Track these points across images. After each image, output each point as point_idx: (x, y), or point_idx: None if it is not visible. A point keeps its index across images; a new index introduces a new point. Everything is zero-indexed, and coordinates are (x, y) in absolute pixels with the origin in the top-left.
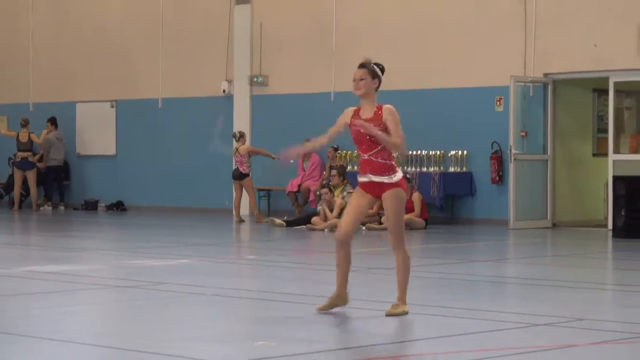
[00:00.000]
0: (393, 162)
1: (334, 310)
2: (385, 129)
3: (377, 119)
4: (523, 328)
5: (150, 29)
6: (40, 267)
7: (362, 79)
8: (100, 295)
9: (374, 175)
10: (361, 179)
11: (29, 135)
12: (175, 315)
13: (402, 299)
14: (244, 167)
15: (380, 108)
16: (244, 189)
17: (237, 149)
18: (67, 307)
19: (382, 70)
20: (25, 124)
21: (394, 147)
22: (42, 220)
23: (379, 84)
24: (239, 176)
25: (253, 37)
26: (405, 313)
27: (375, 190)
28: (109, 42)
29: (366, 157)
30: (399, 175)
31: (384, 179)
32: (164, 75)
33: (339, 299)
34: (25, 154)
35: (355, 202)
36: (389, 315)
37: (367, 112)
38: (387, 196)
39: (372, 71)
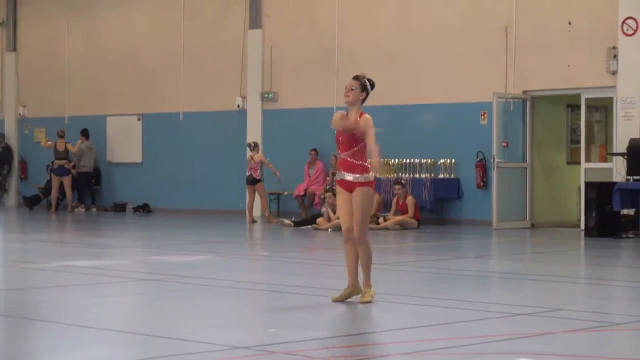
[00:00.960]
0: (367, 164)
1: (348, 300)
2: (360, 132)
3: (356, 124)
4: (506, 317)
5: (173, 51)
6: (74, 262)
7: (352, 89)
8: (128, 287)
9: (348, 173)
10: (337, 177)
11: (65, 145)
12: (196, 305)
13: (368, 282)
14: (257, 174)
15: (360, 115)
16: (256, 192)
17: (251, 157)
18: (97, 298)
19: (372, 85)
20: (62, 135)
21: (373, 148)
22: (76, 220)
23: (366, 97)
24: (253, 181)
25: (264, 58)
26: (374, 294)
27: (349, 187)
28: (136, 63)
29: (343, 156)
30: (370, 176)
31: (357, 177)
32: (185, 91)
33: (353, 290)
34: (62, 162)
35: (342, 200)
36: (364, 303)
37: (351, 118)
38: (357, 192)
39: (362, 84)
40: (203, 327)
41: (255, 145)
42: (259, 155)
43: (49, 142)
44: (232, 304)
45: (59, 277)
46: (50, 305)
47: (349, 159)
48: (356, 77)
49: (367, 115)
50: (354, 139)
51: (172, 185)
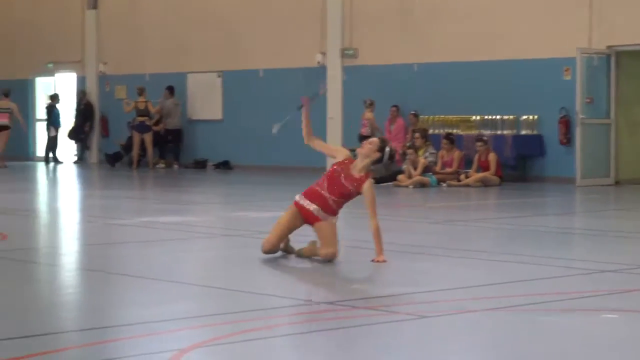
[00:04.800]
0: (338, 214)
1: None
2: (356, 193)
3: (359, 184)
4: (588, 274)
5: (253, 7)
6: (156, 218)
7: (370, 143)
8: (210, 243)
9: (319, 210)
10: (302, 201)
11: (146, 104)
12: (276, 261)
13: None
14: (363, 130)
15: (367, 177)
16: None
17: (363, 115)
18: (179, 253)
19: (391, 156)
20: (141, 92)
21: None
22: (157, 177)
23: (378, 161)
24: (360, 138)
25: (344, 13)
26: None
27: (310, 218)
28: (216, 19)
29: (325, 194)
30: (333, 219)
31: (321, 216)
32: (264, 48)
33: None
34: (142, 119)
35: (285, 220)
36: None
37: (356, 171)
38: (321, 223)
39: (382, 147)
40: (284, 282)
41: (371, 103)
42: (368, 115)
43: (131, 104)
44: (312, 259)
45: (142, 232)
46: (132, 260)
47: (329, 201)
48: (382, 139)
49: (372, 181)
50: (346, 193)
51: (252, 141)
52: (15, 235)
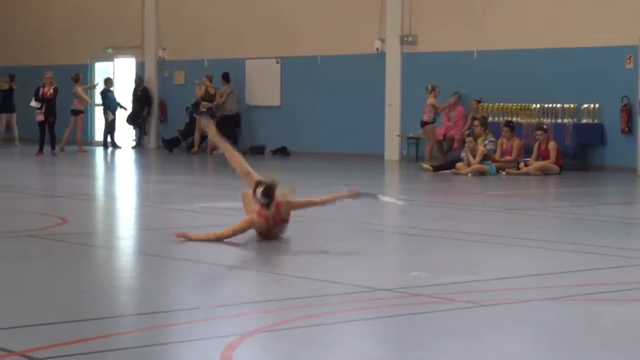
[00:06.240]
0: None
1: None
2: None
3: (277, 215)
4: None
5: None
6: (213, 203)
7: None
8: None
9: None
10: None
11: (215, 90)
12: (336, 247)
13: None
14: (425, 116)
15: (278, 206)
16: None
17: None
18: (237, 238)
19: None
20: (210, 79)
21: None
22: (216, 162)
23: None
24: (421, 124)
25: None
26: None
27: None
28: (275, 5)
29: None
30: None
31: None
32: (323, 34)
33: None
34: (209, 104)
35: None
36: None
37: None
38: None
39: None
40: (344, 269)
41: (433, 88)
42: (430, 100)
43: (202, 87)
44: (372, 246)
45: (199, 217)
46: (189, 244)
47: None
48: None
49: (280, 201)
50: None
51: (309, 128)
52: (74, 219)
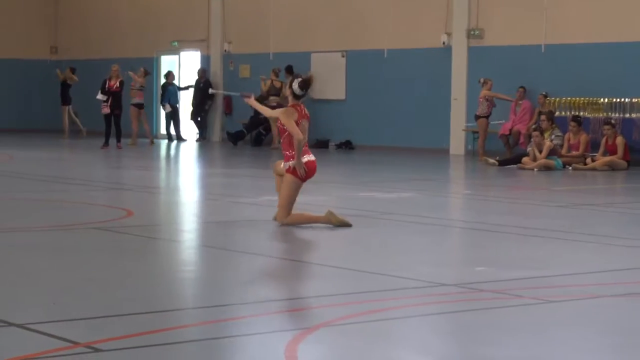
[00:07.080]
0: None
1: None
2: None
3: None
4: None
5: None
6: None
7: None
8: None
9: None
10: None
11: (281, 83)
12: (401, 242)
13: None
14: (478, 110)
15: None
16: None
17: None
18: (300, 232)
19: (303, 85)
20: (277, 73)
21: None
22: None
23: (295, 96)
24: (474, 117)
25: None
26: None
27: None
28: None
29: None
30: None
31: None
32: (389, 28)
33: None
34: (277, 99)
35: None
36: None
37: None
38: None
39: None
40: (409, 264)
41: (485, 82)
42: (483, 92)
43: (268, 82)
44: (436, 241)
45: (263, 211)
46: (253, 238)
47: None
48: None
49: (286, 109)
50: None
51: (374, 122)
52: (140, 212)
